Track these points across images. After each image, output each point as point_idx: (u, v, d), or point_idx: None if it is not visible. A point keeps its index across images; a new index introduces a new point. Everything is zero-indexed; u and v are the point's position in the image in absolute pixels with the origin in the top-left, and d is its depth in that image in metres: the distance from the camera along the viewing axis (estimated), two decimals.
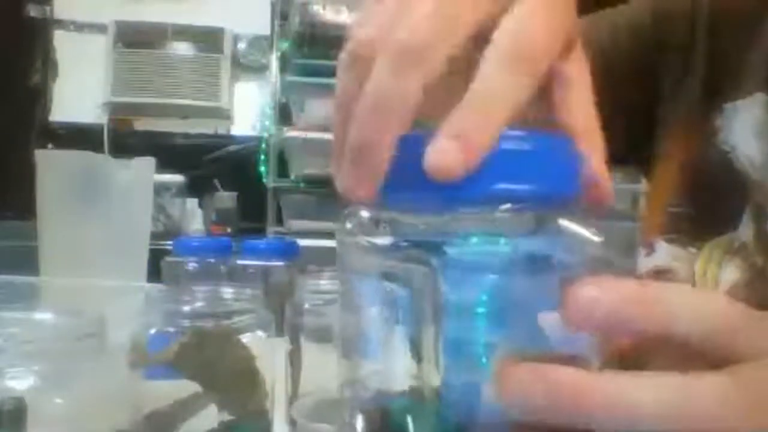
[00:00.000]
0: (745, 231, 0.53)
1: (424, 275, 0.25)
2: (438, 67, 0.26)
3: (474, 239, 0.26)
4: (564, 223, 0.25)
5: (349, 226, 0.27)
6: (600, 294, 0.24)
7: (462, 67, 0.27)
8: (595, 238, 0.25)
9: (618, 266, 0.26)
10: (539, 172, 0.26)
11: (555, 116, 0.30)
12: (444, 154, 0.24)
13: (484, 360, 0.25)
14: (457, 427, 0.25)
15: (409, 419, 0.26)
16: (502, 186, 0.25)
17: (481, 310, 0.26)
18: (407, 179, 0.26)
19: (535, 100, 0.31)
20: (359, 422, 0.27)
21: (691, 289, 0.26)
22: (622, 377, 0.24)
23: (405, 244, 0.26)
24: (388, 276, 0.26)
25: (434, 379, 0.25)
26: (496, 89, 0.26)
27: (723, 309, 0.25)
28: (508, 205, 0.25)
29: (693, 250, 0.54)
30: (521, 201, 0.25)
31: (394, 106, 0.26)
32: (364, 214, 0.27)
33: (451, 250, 0.25)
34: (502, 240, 0.25)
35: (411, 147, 0.26)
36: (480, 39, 0.27)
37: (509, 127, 0.26)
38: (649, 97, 0.60)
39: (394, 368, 0.27)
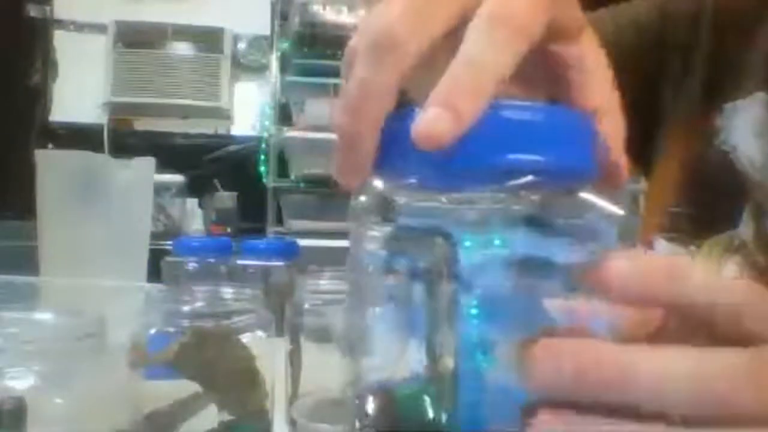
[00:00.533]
0: (745, 230, 0.53)
1: (441, 251, 0.25)
2: (411, 59, 0.27)
3: (473, 241, 0.26)
4: (586, 195, 0.25)
5: (363, 199, 0.27)
6: (628, 266, 0.24)
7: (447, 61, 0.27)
8: (619, 211, 0.25)
9: None
10: (553, 145, 0.25)
11: (574, 101, 0.31)
12: (431, 123, 0.25)
13: (489, 353, 0.25)
14: (468, 411, 0.25)
15: (426, 401, 0.26)
16: (514, 157, 0.25)
17: (480, 309, 0.26)
18: (412, 157, 0.25)
19: (555, 88, 0.31)
20: (369, 404, 0.27)
21: (717, 270, 0.27)
22: (637, 349, 0.24)
23: (418, 224, 0.26)
24: (402, 252, 0.26)
25: (447, 363, 0.25)
26: (480, 56, 0.26)
27: (747, 289, 0.25)
28: (529, 177, 0.25)
29: (693, 248, 0.54)
30: (534, 174, 0.25)
31: (369, 97, 0.27)
32: (378, 184, 0.27)
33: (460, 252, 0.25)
34: (500, 240, 0.25)
35: (405, 124, 0.26)
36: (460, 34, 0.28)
37: (522, 99, 0.26)
38: (650, 96, 0.60)
39: (403, 358, 0.27)
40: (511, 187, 0.25)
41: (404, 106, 0.27)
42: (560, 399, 0.24)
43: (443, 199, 0.26)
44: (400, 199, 0.26)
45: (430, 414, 0.25)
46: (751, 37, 0.56)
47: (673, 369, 0.23)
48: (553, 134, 0.26)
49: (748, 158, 0.53)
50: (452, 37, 0.27)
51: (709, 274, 0.26)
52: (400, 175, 0.26)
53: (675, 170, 0.58)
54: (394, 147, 0.26)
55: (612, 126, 0.30)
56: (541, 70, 0.31)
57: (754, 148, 0.53)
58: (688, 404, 0.23)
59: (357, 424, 0.27)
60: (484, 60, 0.26)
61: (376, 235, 0.27)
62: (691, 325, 0.25)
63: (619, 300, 0.25)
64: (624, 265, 0.24)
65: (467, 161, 0.25)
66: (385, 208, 0.27)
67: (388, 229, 0.26)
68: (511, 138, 0.25)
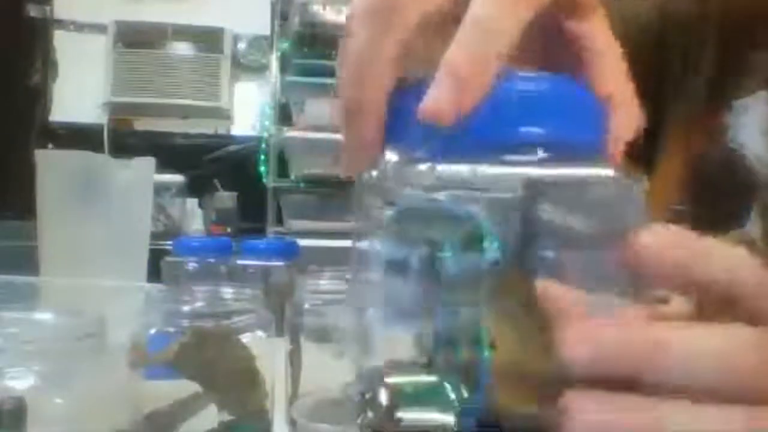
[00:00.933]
0: (753, 229, 0.53)
1: (470, 237, 0.24)
2: (410, 24, 0.26)
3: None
4: (601, 170, 0.25)
5: (374, 174, 0.26)
6: (652, 244, 0.24)
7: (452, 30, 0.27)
8: (636, 182, 0.25)
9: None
10: (560, 117, 0.25)
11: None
12: (437, 101, 0.24)
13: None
14: (480, 399, 0.25)
15: (442, 391, 0.25)
16: (524, 129, 0.24)
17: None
18: (418, 131, 0.25)
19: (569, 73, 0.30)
20: (382, 396, 0.26)
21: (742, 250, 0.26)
22: (666, 326, 0.24)
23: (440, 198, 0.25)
24: (410, 238, 0.25)
25: (464, 352, 0.25)
26: (487, 24, 0.25)
27: (762, 268, 0.25)
28: (544, 154, 0.24)
29: None
30: (542, 147, 0.24)
31: (371, 64, 0.26)
32: (391, 156, 0.26)
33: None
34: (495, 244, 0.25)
35: (417, 98, 0.25)
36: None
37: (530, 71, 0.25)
38: (653, 94, 0.60)
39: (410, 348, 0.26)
40: (517, 163, 0.24)
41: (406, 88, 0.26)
42: (590, 377, 0.23)
43: (454, 181, 0.25)
44: (404, 182, 0.25)
45: (446, 403, 0.25)
46: (755, 37, 0.56)
47: (702, 346, 0.23)
48: (560, 106, 0.25)
49: (756, 156, 0.53)
50: (451, 21, 0.27)
51: (729, 252, 0.25)
52: (409, 149, 0.25)
53: (679, 169, 0.58)
54: (401, 121, 0.26)
55: (625, 120, 0.29)
56: (553, 49, 0.31)
57: (762, 146, 0.53)
58: (715, 381, 0.23)
59: (359, 419, 0.26)
60: (492, 27, 0.25)
61: (384, 217, 0.26)
62: (710, 302, 0.25)
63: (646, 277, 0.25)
64: (648, 242, 0.24)
65: (476, 134, 0.24)
66: (388, 191, 0.25)
67: (391, 212, 0.25)
68: (516, 110, 0.24)
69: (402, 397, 0.26)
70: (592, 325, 0.24)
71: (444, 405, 0.25)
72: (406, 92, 0.26)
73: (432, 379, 0.26)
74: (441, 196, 0.25)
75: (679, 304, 0.27)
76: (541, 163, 0.24)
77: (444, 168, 0.25)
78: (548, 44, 0.31)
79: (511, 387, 0.25)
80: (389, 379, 0.26)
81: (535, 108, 0.25)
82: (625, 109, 0.29)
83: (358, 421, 0.26)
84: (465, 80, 0.24)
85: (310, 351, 0.58)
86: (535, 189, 0.25)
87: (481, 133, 0.24)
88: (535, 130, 0.24)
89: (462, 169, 0.24)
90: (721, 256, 0.25)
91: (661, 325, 0.24)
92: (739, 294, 0.25)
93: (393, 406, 0.26)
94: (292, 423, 0.55)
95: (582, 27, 0.30)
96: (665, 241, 0.24)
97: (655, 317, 0.26)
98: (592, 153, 0.26)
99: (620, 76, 0.30)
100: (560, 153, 0.25)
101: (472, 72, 0.24)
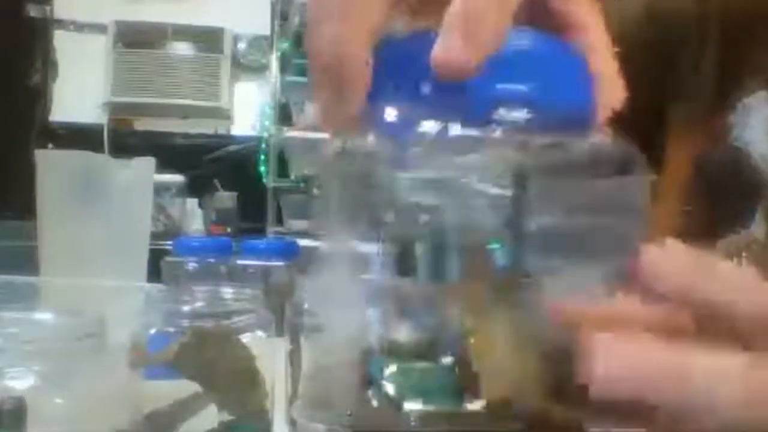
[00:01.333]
0: (758, 231, 0.52)
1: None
2: None
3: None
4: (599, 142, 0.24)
5: (370, 138, 0.24)
6: (660, 260, 0.23)
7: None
8: (637, 163, 0.24)
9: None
10: (548, 76, 0.24)
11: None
12: (450, 50, 0.22)
13: None
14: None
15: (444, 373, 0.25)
16: (504, 86, 0.23)
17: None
18: (390, 91, 0.23)
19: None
20: (389, 385, 0.25)
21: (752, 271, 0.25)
22: (690, 348, 0.23)
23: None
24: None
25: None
26: None
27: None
28: (528, 114, 0.23)
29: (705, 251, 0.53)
30: (528, 106, 0.23)
31: (356, 8, 0.24)
32: (390, 112, 0.24)
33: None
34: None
35: (396, 52, 0.23)
36: None
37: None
38: (654, 94, 0.60)
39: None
40: (498, 122, 0.23)
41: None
42: (612, 396, 0.22)
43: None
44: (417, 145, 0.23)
45: (451, 391, 0.24)
46: (756, 37, 0.56)
47: (725, 369, 0.23)
48: (546, 65, 0.24)
49: (762, 155, 0.53)
50: None
51: (735, 272, 0.25)
52: (389, 107, 0.23)
53: (683, 169, 0.58)
54: (382, 78, 0.24)
55: (611, 90, 0.28)
56: (538, 26, 0.30)
57: (767, 146, 0.53)
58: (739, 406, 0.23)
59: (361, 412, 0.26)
60: None
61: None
62: (711, 322, 0.25)
63: (650, 295, 0.24)
64: (652, 262, 0.23)
65: (460, 90, 0.23)
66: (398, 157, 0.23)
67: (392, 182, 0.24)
68: (506, 67, 0.23)
69: (407, 389, 0.25)
70: (616, 345, 0.23)
71: (449, 392, 0.24)
72: (391, 46, 0.24)
73: (434, 366, 0.25)
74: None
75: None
76: (529, 127, 0.23)
77: (458, 131, 0.23)
78: (534, 21, 0.30)
79: (503, 384, 0.25)
80: (392, 370, 0.25)
81: (520, 65, 0.23)
82: (611, 82, 0.28)
83: (360, 413, 0.25)
84: (476, 32, 0.22)
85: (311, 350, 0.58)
86: (525, 176, 0.23)
87: (466, 90, 0.23)
88: (518, 87, 0.23)
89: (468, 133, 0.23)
90: (723, 280, 0.24)
91: (685, 346, 0.23)
92: (737, 317, 0.24)
93: (400, 398, 0.25)
94: (292, 423, 0.55)
95: (568, 3, 0.29)
96: (669, 262, 0.23)
97: (663, 328, 0.25)
98: (578, 115, 0.24)
99: (605, 51, 0.29)
100: (545, 113, 0.23)
101: (483, 27, 0.23)
